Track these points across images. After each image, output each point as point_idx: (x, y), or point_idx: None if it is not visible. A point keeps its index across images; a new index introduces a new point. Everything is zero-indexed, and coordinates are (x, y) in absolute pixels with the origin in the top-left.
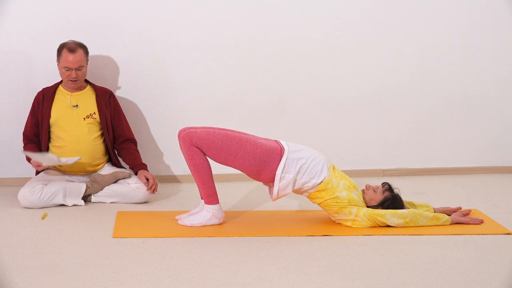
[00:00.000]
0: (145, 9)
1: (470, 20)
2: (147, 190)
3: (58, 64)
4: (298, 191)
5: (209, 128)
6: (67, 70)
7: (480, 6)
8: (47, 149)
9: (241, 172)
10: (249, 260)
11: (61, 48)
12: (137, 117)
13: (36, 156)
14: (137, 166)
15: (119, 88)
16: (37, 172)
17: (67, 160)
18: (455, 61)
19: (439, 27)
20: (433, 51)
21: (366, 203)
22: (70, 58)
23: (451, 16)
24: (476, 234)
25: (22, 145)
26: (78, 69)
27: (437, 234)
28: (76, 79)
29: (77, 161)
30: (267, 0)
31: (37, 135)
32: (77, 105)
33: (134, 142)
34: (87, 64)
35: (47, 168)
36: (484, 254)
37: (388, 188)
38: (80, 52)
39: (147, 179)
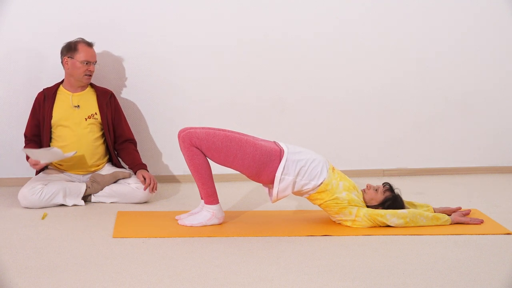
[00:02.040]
0: (145, 9)
1: (470, 20)
2: (144, 190)
3: (70, 61)
4: (298, 193)
5: (209, 128)
6: (86, 64)
7: (480, 6)
8: None
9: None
10: (249, 260)
11: (76, 44)
12: (137, 117)
13: (36, 153)
14: (136, 166)
15: (119, 88)
16: (37, 172)
17: (67, 154)
18: (455, 61)
19: (439, 27)
20: (433, 51)
21: (366, 202)
22: (90, 51)
23: (451, 16)
24: (476, 234)
25: (23, 145)
26: (95, 62)
27: (437, 234)
28: (91, 73)
29: (77, 158)
30: (267, 0)
31: (37, 136)
32: (78, 106)
33: (133, 142)
34: None
35: (46, 168)
36: (484, 254)
37: (389, 188)
38: (93, 48)
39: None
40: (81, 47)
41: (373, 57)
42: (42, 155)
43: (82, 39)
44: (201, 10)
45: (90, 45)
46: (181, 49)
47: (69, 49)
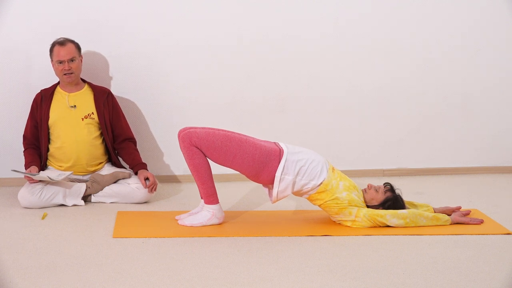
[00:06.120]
0: (145, 9)
1: (470, 20)
2: (145, 188)
3: (52, 63)
4: (298, 193)
5: (209, 128)
6: (60, 63)
7: (480, 6)
8: (47, 150)
9: None
10: (249, 260)
11: (52, 46)
12: (137, 116)
13: (26, 173)
14: (136, 166)
15: (119, 88)
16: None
17: (59, 175)
18: (455, 61)
19: (439, 27)
20: (433, 51)
21: (366, 202)
22: (61, 51)
23: (451, 16)
24: (476, 234)
25: (22, 146)
26: (71, 60)
27: (437, 234)
28: (70, 71)
29: (76, 159)
30: (267, 0)
31: (37, 137)
32: (75, 106)
33: (133, 141)
34: (80, 58)
35: (45, 168)
36: (484, 254)
37: (390, 188)
38: (70, 45)
39: (147, 179)
40: (54, 49)
41: (373, 57)
42: (35, 175)
43: (57, 39)
44: (201, 10)
45: (62, 43)
46: (181, 49)
47: (50, 52)
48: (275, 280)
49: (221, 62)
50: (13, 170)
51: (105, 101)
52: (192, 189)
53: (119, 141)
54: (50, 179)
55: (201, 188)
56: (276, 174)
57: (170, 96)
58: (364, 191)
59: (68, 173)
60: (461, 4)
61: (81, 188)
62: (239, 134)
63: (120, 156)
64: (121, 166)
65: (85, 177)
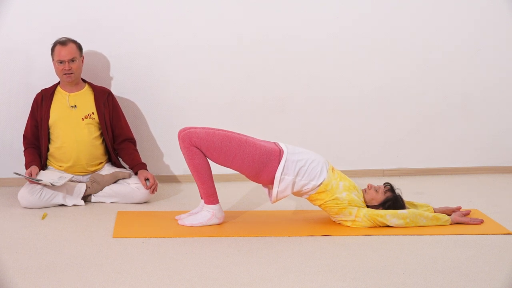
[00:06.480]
0: (145, 9)
1: (470, 20)
2: (146, 189)
3: (53, 62)
4: (298, 193)
5: (209, 128)
6: (60, 63)
7: (480, 6)
8: (47, 150)
9: None
10: (249, 260)
11: (54, 45)
12: (137, 116)
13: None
14: (136, 166)
15: (119, 88)
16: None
17: (60, 178)
18: (455, 61)
19: (439, 27)
20: (433, 51)
21: (367, 202)
22: (62, 50)
23: (451, 16)
24: (476, 234)
25: (22, 146)
26: (71, 60)
27: (437, 234)
28: (70, 71)
29: (76, 159)
30: (267, 0)
31: (37, 137)
32: (75, 106)
33: (133, 141)
34: (81, 59)
35: (46, 168)
36: (484, 254)
37: (390, 188)
38: (71, 45)
39: (147, 180)
40: (55, 48)
41: (373, 57)
42: (37, 180)
43: (59, 39)
44: (201, 10)
45: (63, 43)
46: (181, 49)
47: (51, 51)
48: (275, 280)
49: (221, 62)
50: (15, 173)
51: (106, 101)
52: (192, 189)
53: (119, 141)
54: (52, 184)
55: (201, 188)
56: (276, 174)
57: (170, 96)
58: (364, 191)
59: (69, 176)
60: (461, 4)
61: (81, 188)
62: (239, 134)
63: (119, 157)
64: (121, 166)
65: (85, 178)
